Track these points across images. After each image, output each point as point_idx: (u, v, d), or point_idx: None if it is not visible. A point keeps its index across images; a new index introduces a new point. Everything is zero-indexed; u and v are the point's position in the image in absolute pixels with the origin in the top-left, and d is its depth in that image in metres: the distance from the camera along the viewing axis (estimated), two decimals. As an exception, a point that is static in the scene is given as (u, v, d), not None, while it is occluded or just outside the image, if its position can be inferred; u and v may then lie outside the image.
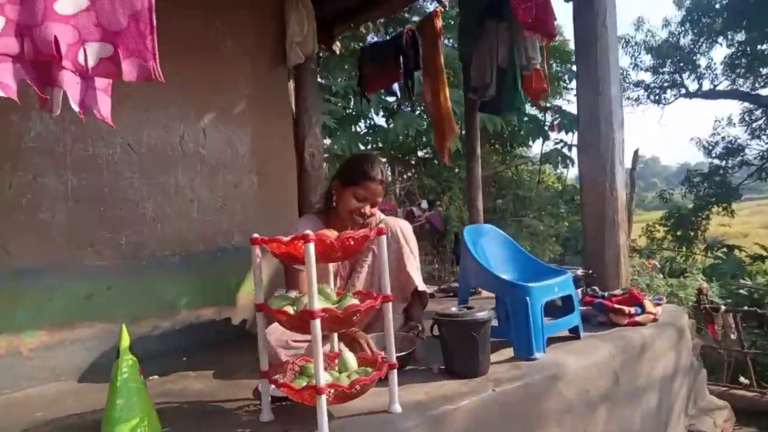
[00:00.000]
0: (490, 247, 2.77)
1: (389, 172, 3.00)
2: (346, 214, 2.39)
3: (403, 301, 2.49)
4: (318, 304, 1.60)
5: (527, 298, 2.30)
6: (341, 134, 9.61)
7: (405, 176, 12.40)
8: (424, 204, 9.12)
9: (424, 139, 9.30)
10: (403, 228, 2.52)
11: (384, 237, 1.84)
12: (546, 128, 10.07)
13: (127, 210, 2.62)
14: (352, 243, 1.73)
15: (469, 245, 2.60)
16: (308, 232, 1.62)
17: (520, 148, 11.39)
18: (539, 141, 10.62)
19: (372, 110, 9.11)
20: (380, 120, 10.46)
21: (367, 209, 2.39)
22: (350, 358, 1.91)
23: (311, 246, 1.59)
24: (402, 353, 2.20)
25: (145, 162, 2.67)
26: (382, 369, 1.76)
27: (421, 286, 2.46)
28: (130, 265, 2.62)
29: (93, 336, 2.46)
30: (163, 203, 2.72)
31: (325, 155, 10.10)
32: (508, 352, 2.37)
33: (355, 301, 1.75)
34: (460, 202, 8.89)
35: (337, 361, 1.93)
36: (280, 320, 1.69)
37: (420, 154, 10.48)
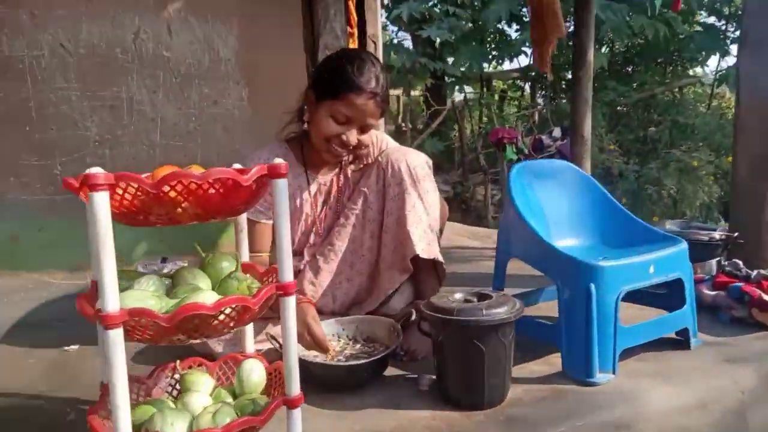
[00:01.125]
0: (557, 196, 1.88)
1: (384, 77, 1.67)
2: (320, 144, 1.67)
3: (402, 272, 1.74)
4: (118, 302, 0.94)
5: (591, 285, 1.44)
6: (463, 51, 8.68)
7: (538, 98, 11.12)
8: (557, 132, 7.99)
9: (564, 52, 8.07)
10: (413, 165, 1.74)
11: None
12: (726, 41, 8.27)
13: (61, 131, 2.13)
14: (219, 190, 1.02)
15: (516, 192, 1.74)
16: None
17: (690, 67, 9.67)
18: (715, 57, 8.84)
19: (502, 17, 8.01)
20: (512, 31, 9.39)
21: (351, 137, 1.64)
22: (250, 374, 1.23)
23: (99, 196, 0.92)
24: (370, 358, 1.49)
25: (85, 68, 2.13)
26: (267, 410, 1.07)
27: (428, 252, 1.68)
28: (69, 202, 2.14)
29: (19, 288, 2.04)
30: (113, 123, 2.19)
31: (451, 80, 9.27)
32: (554, 364, 1.56)
33: (206, 297, 1.05)
34: (603, 130, 7.62)
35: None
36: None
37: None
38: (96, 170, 0.94)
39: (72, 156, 2.16)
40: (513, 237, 1.74)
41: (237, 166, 1.38)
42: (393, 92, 12.18)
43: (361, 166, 1.84)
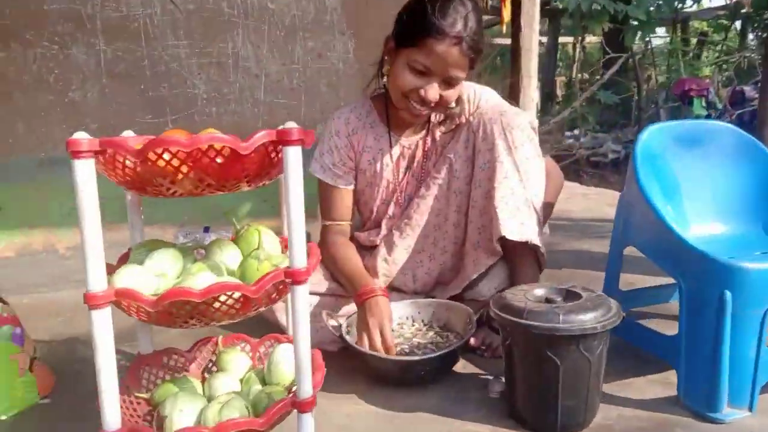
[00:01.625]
0: (704, 168, 1.48)
1: (475, 19, 1.37)
2: (398, 100, 1.49)
3: (489, 255, 1.52)
4: (104, 281, 0.88)
5: (725, 293, 1.10)
6: None
7: (751, 40, 9.48)
8: (767, 82, 6.71)
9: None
10: (510, 126, 1.49)
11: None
12: None
13: (172, 88, 2.19)
14: (215, 159, 0.91)
15: (642, 162, 1.39)
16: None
17: None
18: None
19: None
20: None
21: (431, 91, 1.44)
22: (279, 363, 1.13)
23: (82, 164, 0.85)
24: (436, 351, 1.33)
25: (193, 24, 2.15)
26: (269, 413, 0.96)
27: (520, 234, 1.44)
28: (179, 160, 2.23)
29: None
30: (219, 80, 2.21)
31: (634, 23, 8.21)
32: (669, 385, 1.26)
33: (197, 281, 0.95)
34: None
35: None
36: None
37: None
38: (80, 135, 0.88)
39: (182, 113, 2.24)
40: (632, 219, 1.40)
41: (291, 124, 1.27)
42: (564, 40, 11.21)
43: (453, 127, 1.62)
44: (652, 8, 7.81)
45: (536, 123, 1.57)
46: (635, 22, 8.56)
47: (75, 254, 2.20)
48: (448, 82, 1.43)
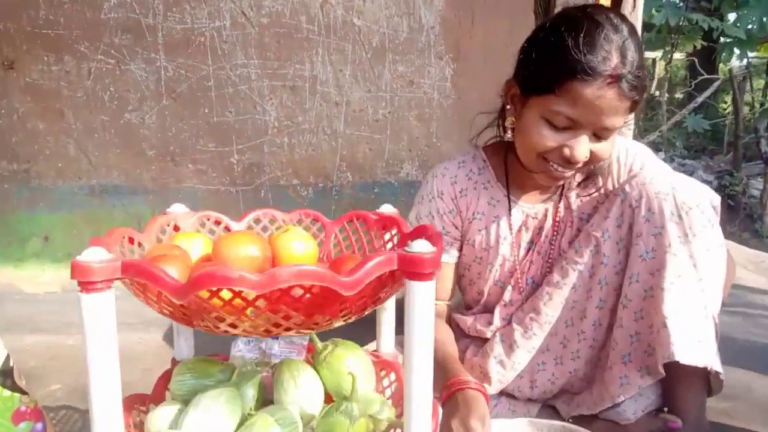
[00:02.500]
0: None
1: (635, 47, 1.04)
2: (530, 161, 1.13)
3: (645, 374, 1.14)
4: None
5: None
6: (753, 4, 6.91)
7: None
8: None
9: None
10: (687, 204, 1.10)
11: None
12: None
13: (239, 113, 1.89)
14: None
15: None
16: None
17: None
18: None
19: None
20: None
21: (579, 149, 1.07)
22: None
23: (93, 299, 0.53)
24: None
25: (267, 41, 1.84)
26: None
27: (697, 357, 1.05)
28: (245, 194, 1.93)
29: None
30: (293, 106, 1.89)
31: (728, 41, 7.48)
32: None
33: None
34: None
35: None
36: None
37: None
38: (91, 255, 0.56)
39: (250, 143, 1.94)
40: None
41: (387, 209, 0.92)
42: (649, 55, 10.48)
43: (594, 192, 1.23)
44: (751, 26, 7.08)
45: (718, 201, 1.16)
46: (730, 40, 7.83)
47: (126, 293, 1.94)
48: (600, 135, 1.05)
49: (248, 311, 0.57)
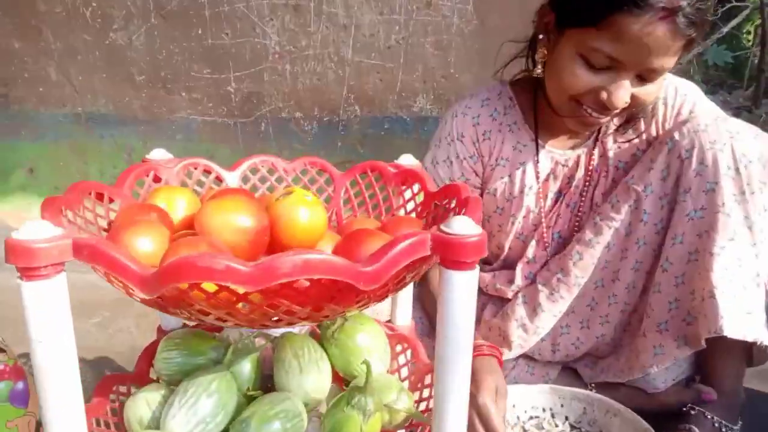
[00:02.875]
0: None
1: None
2: (562, 103, 0.97)
3: (683, 344, 1.03)
4: None
5: None
6: None
7: None
8: None
9: None
10: (747, 157, 0.95)
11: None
12: None
13: (236, 35, 1.69)
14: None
15: None
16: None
17: None
18: None
19: None
20: None
21: (619, 94, 0.91)
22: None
23: (36, 288, 0.39)
24: None
25: (268, -49, 1.61)
26: None
27: (742, 330, 0.94)
28: (243, 126, 1.77)
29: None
30: (296, 29, 1.69)
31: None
32: None
33: None
34: None
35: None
36: None
37: None
38: (34, 229, 0.42)
39: (248, 70, 1.74)
40: None
41: (407, 160, 0.77)
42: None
43: (635, 138, 1.08)
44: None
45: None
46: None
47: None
48: (646, 77, 0.90)
49: (239, 305, 0.45)
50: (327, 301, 0.46)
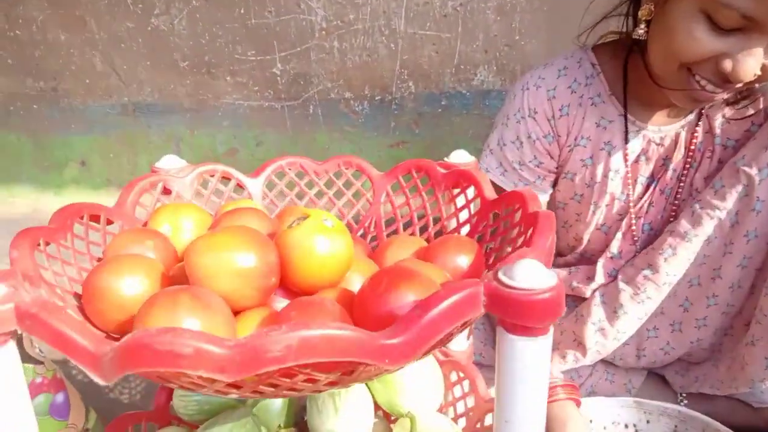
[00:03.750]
0: None
1: None
2: (670, 73, 0.79)
3: None
4: None
5: None
6: None
7: None
8: None
9: None
10: None
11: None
12: None
13: (281, 13, 1.58)
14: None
15: None
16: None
17: None
18: None
19: None
20: None
21: (748, 65, 0.72)
22: None
23: None
24: None
25: None
26: None
27: None
28: (290, 110, 1.66)
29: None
30: (343, 3, 1.55)
31: None
32: None
33: None
34: None
35: None
36: None
37: None
38: None
39: (294, 49, 1.62)
40: None
41: (460, 158, 0.62)
42: None
43: (751, 114, 0.88)
44: None
45: None
46: None
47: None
48: None
49: (228, 384, 0.34)
50: (345, 375, 0.35)
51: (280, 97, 1.66)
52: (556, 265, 1.12)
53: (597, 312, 1.00)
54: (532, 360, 0.33)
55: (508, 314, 0.32)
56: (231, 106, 1.68)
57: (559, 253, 1.12)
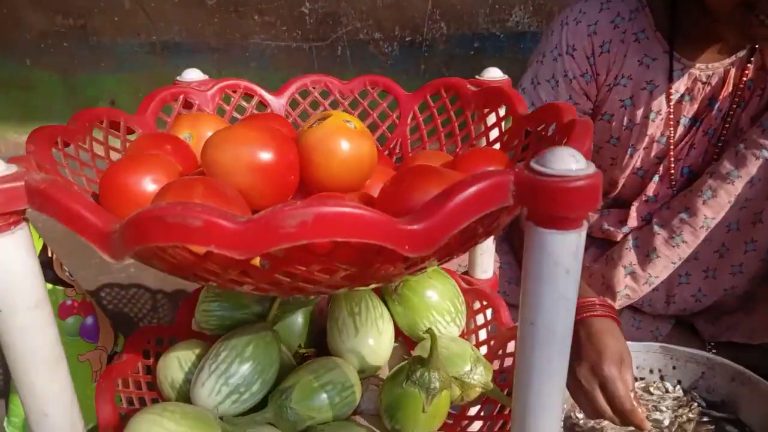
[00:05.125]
0: None
1: None
2: (724, 6, 0.74)
3: None
4: None
5: None
6: None
7: None
8: None
9: None
10: None
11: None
12: None
13: (310, -52, 1.52)
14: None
15: None
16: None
17: None
18: None
19: None
20: None
21: None
22: None
23: None
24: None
25: None
26: None
27: None
28: (317, 51, 1.62)
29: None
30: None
31: None
32: None
33: None
34: None
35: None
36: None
37: None
38: None
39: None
40: None
41: (493, 74, 0.59)
42: None
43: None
44: None
45: None
46: None
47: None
48: None
49: (241, 270, 0.33)
50: (361, 267, 0.33)
51: (308, 38, 1.62)
52: (587, 210, 1.09)
53: (629, 255, 0.97)
54: (563, 256, 0.31)
55: (539, 204, 0.30)
56: (258, 46, 1.65)
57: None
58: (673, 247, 0.93)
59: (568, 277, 0.32)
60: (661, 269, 0.95)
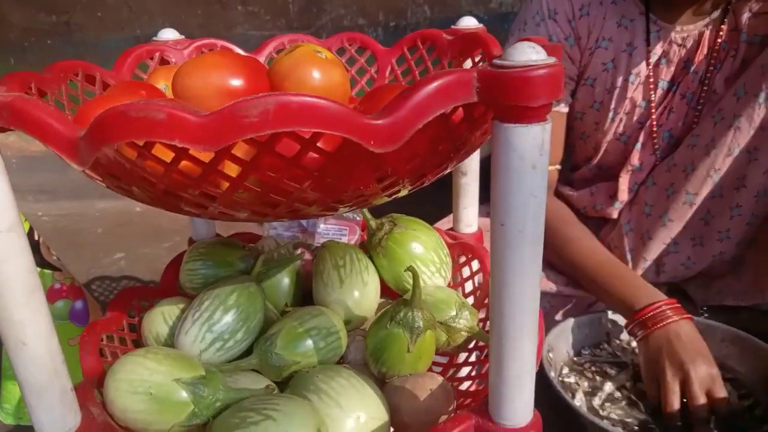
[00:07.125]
0: None
1: None
2: None
3: None
4: None
5: None
6: None
7: None
8: None
9: None
10: None
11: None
12: None
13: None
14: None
15: None
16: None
17: None
18: None
19: None
20: None
21: None
22: None
23: None
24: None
25: None
26: None
27: None
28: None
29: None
30: None
31: None
32: None
33: None
34: None
35: None
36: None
37: None
38: None
39: (304, -25, 1.59)
40: None
41: (468, 23, 0.60)
42: None
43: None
44: None
45: None
46: None
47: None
48: None
49: (210, 181, 0.33)
50: (333, 178, 0.33)
51: (292, 26, 1.63)
52: (573, 181, 1.09)
53: (626, 241, 0.98)
54: (528, 150, 0.31)
55: (502, 97, 0.31)
56: (243, 36, 1.66)
57: (575, 166, 1.09)
58: (663, 226, 0.94)
59: (535, 173, 0.32)
60: (654, 250, 0.96)
